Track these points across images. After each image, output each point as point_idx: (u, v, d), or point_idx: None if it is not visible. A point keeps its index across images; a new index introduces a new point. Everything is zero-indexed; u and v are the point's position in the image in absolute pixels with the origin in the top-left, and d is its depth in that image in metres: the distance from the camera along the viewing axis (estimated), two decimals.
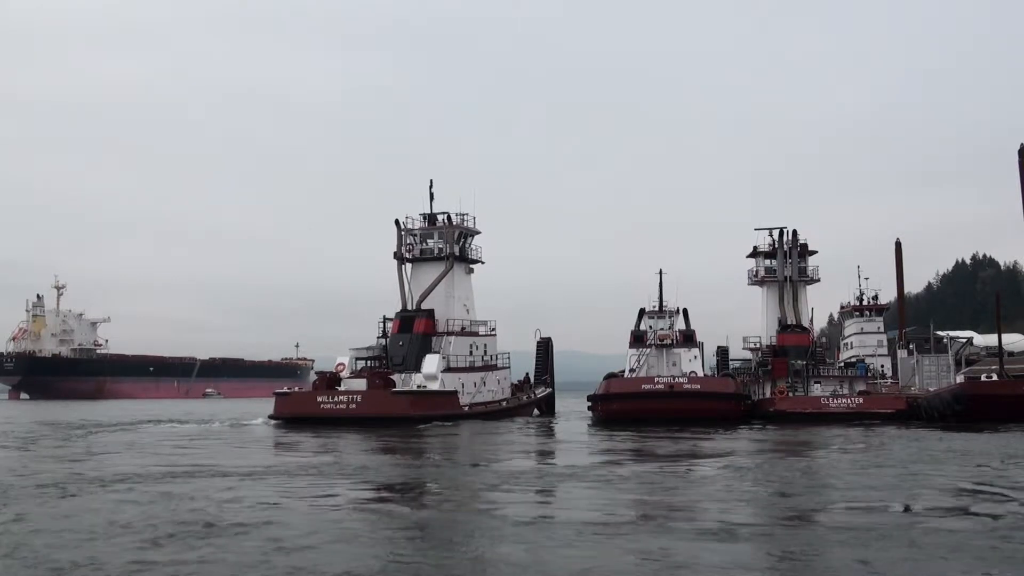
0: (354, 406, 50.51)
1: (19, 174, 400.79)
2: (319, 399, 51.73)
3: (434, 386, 54.11)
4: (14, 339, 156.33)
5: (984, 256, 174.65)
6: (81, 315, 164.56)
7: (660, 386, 54.36)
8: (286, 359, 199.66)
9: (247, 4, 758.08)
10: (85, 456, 30.62)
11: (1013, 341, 68.11)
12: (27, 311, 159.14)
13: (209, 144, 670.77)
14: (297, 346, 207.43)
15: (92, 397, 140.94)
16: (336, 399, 51.32)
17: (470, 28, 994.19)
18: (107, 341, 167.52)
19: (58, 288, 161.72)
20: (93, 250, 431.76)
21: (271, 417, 52.10)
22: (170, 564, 12.42)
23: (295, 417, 50.61)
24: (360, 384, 53.30)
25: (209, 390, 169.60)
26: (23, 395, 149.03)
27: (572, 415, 63.99)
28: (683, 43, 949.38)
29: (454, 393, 55.47)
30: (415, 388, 53.50)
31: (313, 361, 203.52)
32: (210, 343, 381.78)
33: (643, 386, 54.90)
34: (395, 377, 54.74)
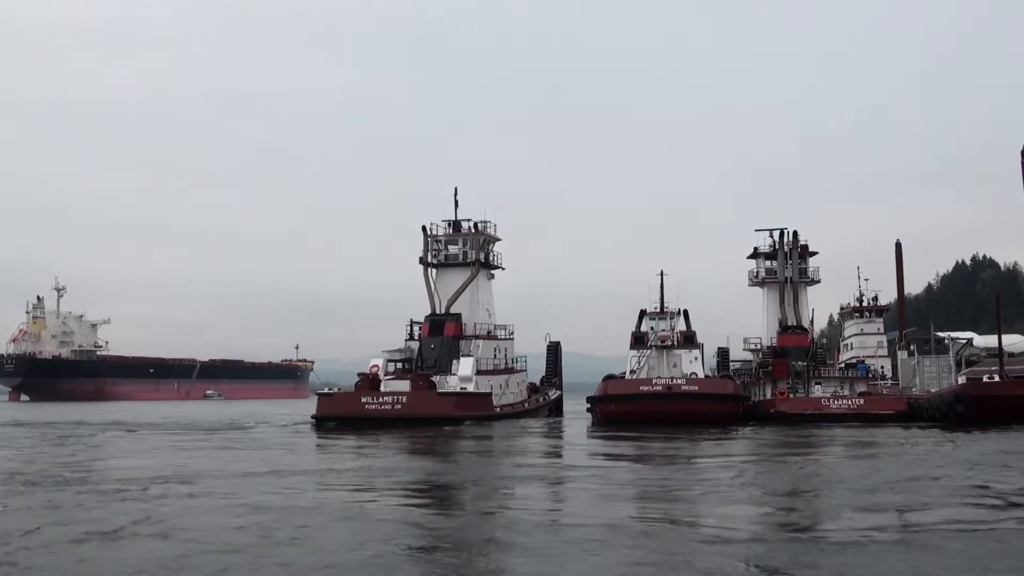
0: (399, 406, 51.58)
1: (19, 174, 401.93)
2: (363, 399, 52.74)
3: (470, 387, 55.64)
4: (14, 341, 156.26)
5: (984, 257, 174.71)
6: (81, 317, 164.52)
7: (658, 387, 54.29)
8: (286, 360, 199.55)
9: (247, 6, 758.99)
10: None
11: (1013, 342, 67.75)
12: (27, 312, 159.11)
13: (209, 145, 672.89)
14: (297, 347, 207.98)
15: (92, 399, 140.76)
16: (381, 400, 52.35)
17: (470, 29, 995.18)
18: (107, 343, 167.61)
19: (58, 290, 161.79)
20: (93, 251, 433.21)
21: (314, 417, 53.10)
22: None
23: (339, 417, 51.59)
24: (403, 385, 54.49)
25: (210, 392, 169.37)
26: (23, 397, 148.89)
27: (575, 416, 63.97)
28: (683, 43, 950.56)
29: (489, 394, 57.40)
30: (459, 390, 54.83)
31: (313, 362, 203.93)
32: (210, 344, 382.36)
33: (641, 387, 54.87)
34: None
